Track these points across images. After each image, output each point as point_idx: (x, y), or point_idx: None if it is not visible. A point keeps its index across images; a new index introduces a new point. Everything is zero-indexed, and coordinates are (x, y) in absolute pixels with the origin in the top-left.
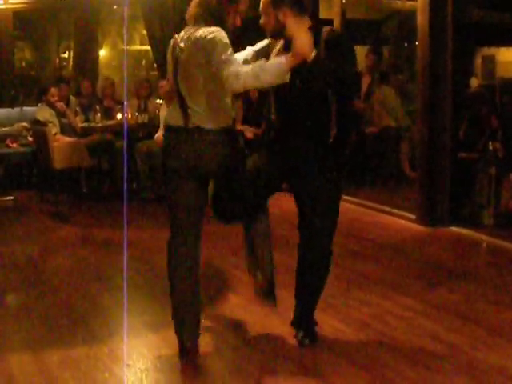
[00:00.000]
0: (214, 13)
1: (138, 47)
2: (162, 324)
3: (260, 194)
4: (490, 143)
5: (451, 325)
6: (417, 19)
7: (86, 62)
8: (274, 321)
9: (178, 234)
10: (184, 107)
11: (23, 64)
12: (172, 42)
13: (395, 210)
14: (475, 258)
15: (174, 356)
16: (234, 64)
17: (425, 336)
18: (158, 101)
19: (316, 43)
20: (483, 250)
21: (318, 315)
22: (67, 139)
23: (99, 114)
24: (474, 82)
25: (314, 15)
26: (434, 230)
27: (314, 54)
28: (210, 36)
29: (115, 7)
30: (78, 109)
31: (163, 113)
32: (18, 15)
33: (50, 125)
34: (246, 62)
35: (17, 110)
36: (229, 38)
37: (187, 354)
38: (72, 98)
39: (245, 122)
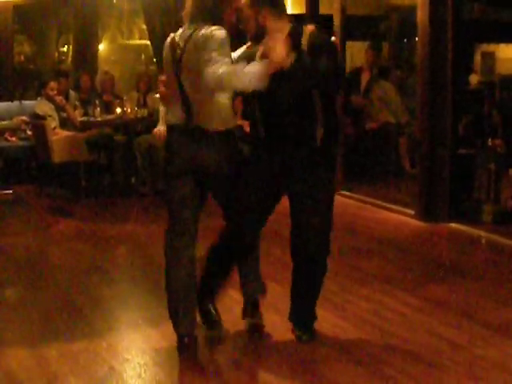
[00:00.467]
0: (211, 10)
1: (138, 41)
2: (160, 318)
3: (256, 213)
4: (490, 139)
5: (450, 321)
6: (417, 15)
7: (86, 56)
8: (273, 316)
9: (175, 230)
10: (187, 106)
11: (22, 58)
12: (169, 40)
13: (394, 206)
14: (474, 254)
15: (173, 350)
16: (218, 63)
17: (424, 332)
18: (157, 95)
19: (296, 46)
20: (482, 246)
21: (317, 311)
22: (66, 133)
23: (98, 109)
24: (474, 79)
25: (313, 11)
26: (433, 226)
27: (292, 58)
28: (209, 34)
29: (115, 1)
30: (77, 103)
31: (163, 107)
32: (17, 9)
33: (49, 119)
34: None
35: (16, 103)
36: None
37: (186, 348)
38: (71, 92)
39: (244, 116)
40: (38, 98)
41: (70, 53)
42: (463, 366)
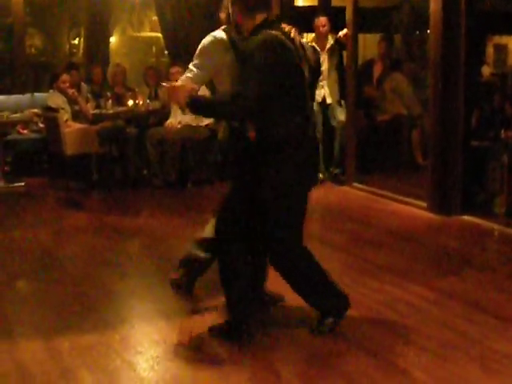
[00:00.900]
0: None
1: (149, 34)
2: (173, 311)
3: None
4: (502, 131)
5: (462, 313)
6: (429, 7)
7: (97, 49)
8: (287, 309)
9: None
10: None
11: (34, 51)
12: None
13: (407, 198)
14: (487, 247)
15: (187, 344)
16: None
17: (436, 324)
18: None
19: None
20: (495, 238)
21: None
22: (78, 126)
23: (110, 101)
24: (486, 71)
25: (326, 3)
26: (445, 219)
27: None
28: None
29: None
30: (89, 95)
31: None
32: (29, 2)
33: (61, 111)
34: None
35: (28, 96)
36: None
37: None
38: (83, 85)
39: None
40: (50, 91)
41: (82, 45)
42: (476, 359)
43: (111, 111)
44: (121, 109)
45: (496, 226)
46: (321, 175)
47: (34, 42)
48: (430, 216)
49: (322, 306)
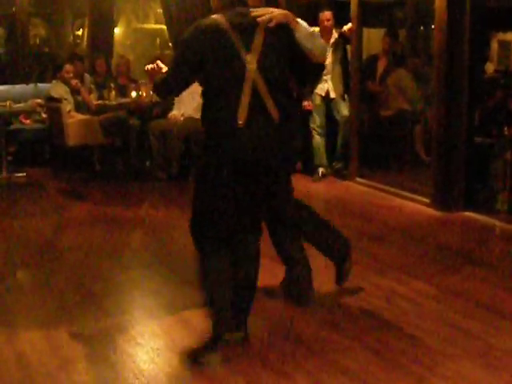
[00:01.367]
0: None
1: (153, 26)
2: (174, 303)
3: None
4: (506, 128)
5: (464, 310)
6: (434, 2)
7: (101, 40)
8: (285, 303)
9: None
10: None
11: (38, 41)
12: None
13: (409, 194)
14: (489, 244)
15: (187, 336)
16: None
17: (437, 321)
18: None
19: None
20: (497, 235)
21: (331, 298)
22: (81, 116)
23: (114, 92)
24: (490, 68)
25: None
26: (448, 215)
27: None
28: None
29: None
30: (92, 86)
31: None
32: None
33: (64, 101)
34: None
35: (31, 86)
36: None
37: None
38: (86, 76)
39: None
40: (53, 81)
41: (85, 36)
42: (477, 355)
43: (114, 102)
44: (124, 100)
45: (498, 223)
46: (323, 170)
47: (38, 32)
48: (432, 212)
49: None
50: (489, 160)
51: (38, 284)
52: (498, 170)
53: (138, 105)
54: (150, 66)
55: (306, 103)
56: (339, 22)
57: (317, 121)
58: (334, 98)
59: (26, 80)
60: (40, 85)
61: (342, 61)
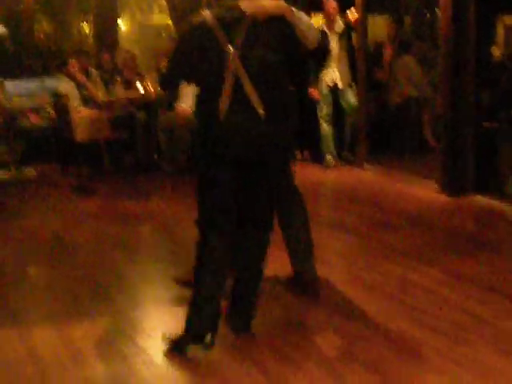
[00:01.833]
0: None
1: (158, 21)
2: (185, 296)
3: None
4: None
5: (476, 295)
6: None
7: (106, 35)
8: (297, 293)
9: None
10: None
11: (42, 36)
12: None
13: (419, 180)
14: (499, 228)
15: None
16: None
17: (449, 306)
18: None
19: None
20: (507, 219)
21: (345, 288)
22: (88, 112)
23: (120, 87)
24: (496, 52)
25: None
26: (457, 200)
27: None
28: None
29: None
30: (98, 81)
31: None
32: None
33: (70, 97)
34: None
35: (37, 81)
36: None
37: None
38: (93, 71)
39: None
40: (59, 76)
41: (91, 31)
42: (488, 340)
43: (121, 97)
44: (131, 94)
45: (508, 207)
46: (331, 158)
47: (43, 28)
48: (442, 198)
49: None
50: (497, 144)
51: (49, 279)
52: (506, 153)
53: (144, 99)
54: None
55: (312, 92)
56: (344, 9)
57: (324, 109)
58: (341, 87)
59: (31, 76)
60: (46, 80)
61: (348, 49)
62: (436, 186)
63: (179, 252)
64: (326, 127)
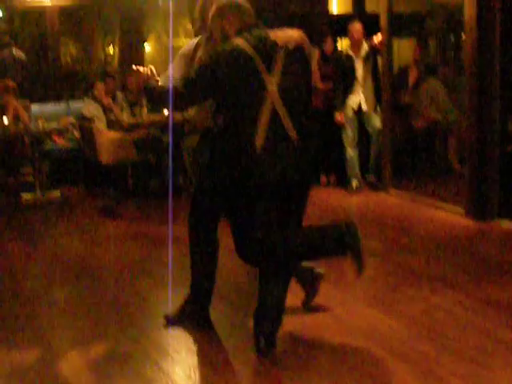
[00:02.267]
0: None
1: (184, 42)
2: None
3: None
4: None
5: (502, 321)
6: (464, 12)
7: (132, 58)
8: (327, 318)
9: None
10: None
11: (69, 59)
12: None
13: (444, 204)
14: None
15: (223, 350)
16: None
17: (475, 332)
18: None
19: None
20: None
21: (368, 311)
22: (114, 134)
23: (145, 109)
24: None
25: (360, 10)
26: (483, 225)
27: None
28: None
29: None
30: (124, 104)
31: None
32: (63, 11)
33: (96, 120)
34: None
35: (63, 104)
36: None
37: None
38: (118, 93)
39: None
40: (85, 99)
41: (117, 54)
42: None
43: (146, 120)
44: (156, 117)
45: None
46: (357, 182)
47: (69, 50)
48: (467, 222)
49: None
50: None
51: (73, 301)
52: None
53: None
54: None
55: (338, 116)
56: (369, 34)
57: (349, 133)
58: (366, 111)
59: (57, 99)
60: (72, 103)
61: (374, 73)
62: (461, 210)
63: None
64: (351, 152)
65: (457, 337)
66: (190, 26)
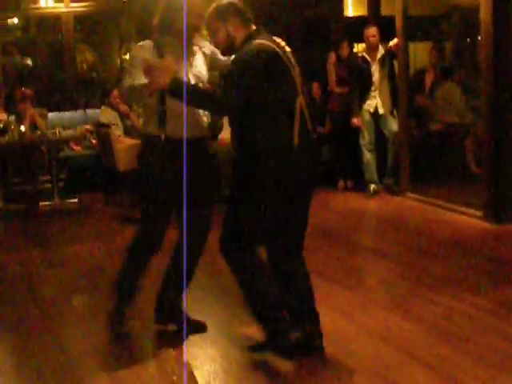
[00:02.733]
0: (168, 26)
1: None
2: (228, 324)
3: None
4: None
5: None
6: (479, 14)
7: None
8: (341, 321)
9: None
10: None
11: (85, 67)
12: None
13: (462, 208)
14: None
15: (242, 358)
16: (125, 78)
17: (495, 335)
18: None
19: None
20: None
21: (387, 315)
22: (131, 141)
23: None
24: None
25: (375, 13)
26: (501, 227)
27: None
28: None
29: None
30: (140, 110)
31: None
32: (78, 18)
33: (113, 127)
34: None
35: (80, 112)
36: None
37: None
38: None
39: None
40: (102, 107)
41: None
42: None
43: None
44: None
45: None
46: (374, 186)
47: (85, 58)
48: (485, 225)
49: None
50: None
51: (92, 310)
52: None
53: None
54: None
55: (355, 120)
56: (385, 37)
57: (366, 137)
58: (382, 114)
59: (74, 106)
60: (88, 111)
61: (390, 76)
62: (479, 213)
63: (222, 280)
64: (368, 155)
65: (477, 340)
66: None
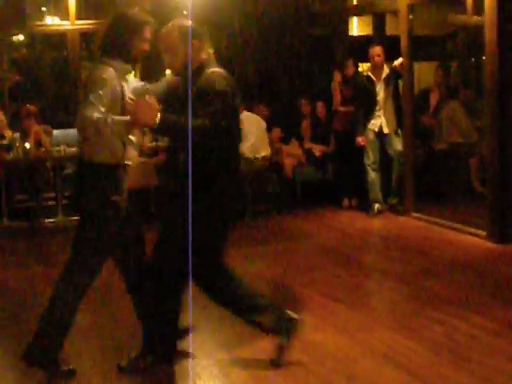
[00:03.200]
0: (118, 43)
1: None
2: (231, 343)
3: None
4: None
5: None
6: (484, 34)
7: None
8: (341, 338)
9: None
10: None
11: None
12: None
13: (466, 228)
14: None
15: (245, 376)
16: (91, 108)
17: (498, 356)
18: None
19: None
20: None
21: (390, 335)
22: (139, 159)
23: None
24: None
25: (380, 33)
26: (505, 248)
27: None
28: (92, 74)
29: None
30: (145, 129)
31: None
32: (84, 35)
33: None
34: None
35: None
36: (133, 66)
37: None
38: None
39: (313, 139)
40: None
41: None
42: None
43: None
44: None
45: None
46: (379, 205)
47: None
48: (489, 245)
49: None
50: None
51: (95, 327)
52: None
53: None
54: (141, 100)
55: (359, 139)
56: (390, 56)
57: (371, 156)
58: (387, 133)
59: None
60: None
61: (395, 96)
62: (483, 233)
63: None
64: (372, 175)
65: (480, 361)
66: (210, 50)
